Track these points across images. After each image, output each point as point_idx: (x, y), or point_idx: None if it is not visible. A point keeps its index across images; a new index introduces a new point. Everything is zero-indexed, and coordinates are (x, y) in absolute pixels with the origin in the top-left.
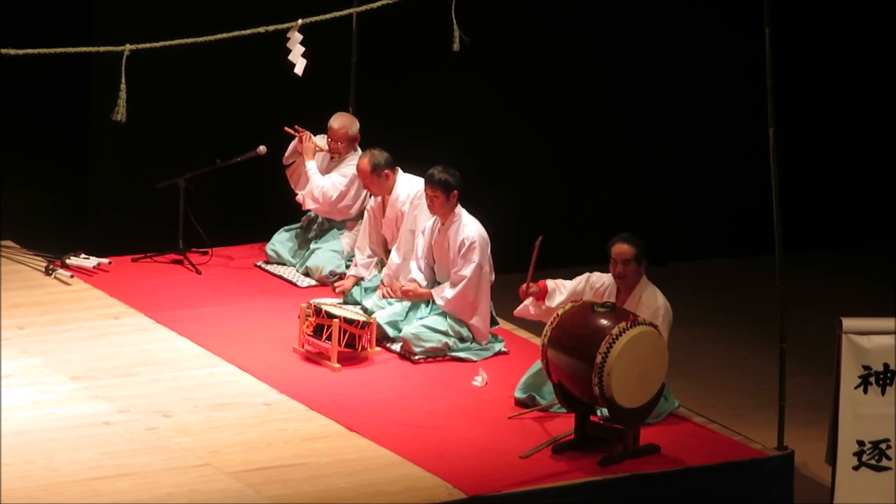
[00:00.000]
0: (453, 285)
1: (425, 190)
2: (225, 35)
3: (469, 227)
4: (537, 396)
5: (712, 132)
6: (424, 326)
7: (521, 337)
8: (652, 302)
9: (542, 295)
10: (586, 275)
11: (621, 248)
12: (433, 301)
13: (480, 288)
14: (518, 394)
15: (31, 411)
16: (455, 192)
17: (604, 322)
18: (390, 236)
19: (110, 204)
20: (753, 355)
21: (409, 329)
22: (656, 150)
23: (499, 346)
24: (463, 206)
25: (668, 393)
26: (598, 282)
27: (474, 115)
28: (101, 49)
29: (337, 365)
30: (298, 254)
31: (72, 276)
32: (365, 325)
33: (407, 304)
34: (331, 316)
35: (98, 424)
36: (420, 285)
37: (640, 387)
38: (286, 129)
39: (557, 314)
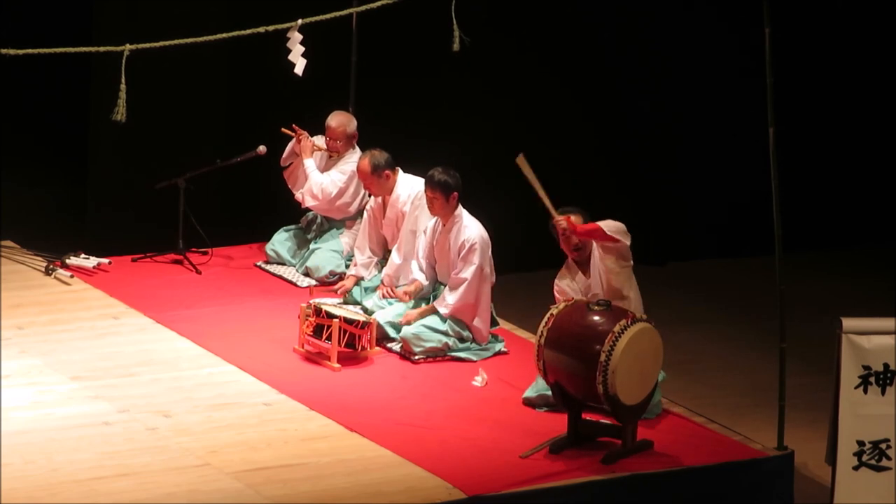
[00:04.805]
0: (454, 289)
1: (425, 191)
2: (225, 35)
3: (470, 229)
4: (549, 396)
5: (712, 132)
6: (424, 326)
7: (521, 337)
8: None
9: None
10: (555, 291)
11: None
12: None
13: (481, 289)
14: (529, 393)
15: (31, 411)
16: (455, 193)
17: (604, 320)
18: (390, 237)
19: (110, 204)
20: (753, 355)
21: (409, 329)
22: (657, 150)
23: (499, 347)
24: (464, 207)
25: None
26: (566, 284)
27: (475, 115)
28: (101, 49)
29: (337, 365)
30: (298, 254)
31: (72, 276)
32: (365, 325)
33: (408, 303)
34: (331, 316)
35: (98, 424)
36: (422, 285)
37: (640, 383)
38: (283, 129)
39: (552, 314)
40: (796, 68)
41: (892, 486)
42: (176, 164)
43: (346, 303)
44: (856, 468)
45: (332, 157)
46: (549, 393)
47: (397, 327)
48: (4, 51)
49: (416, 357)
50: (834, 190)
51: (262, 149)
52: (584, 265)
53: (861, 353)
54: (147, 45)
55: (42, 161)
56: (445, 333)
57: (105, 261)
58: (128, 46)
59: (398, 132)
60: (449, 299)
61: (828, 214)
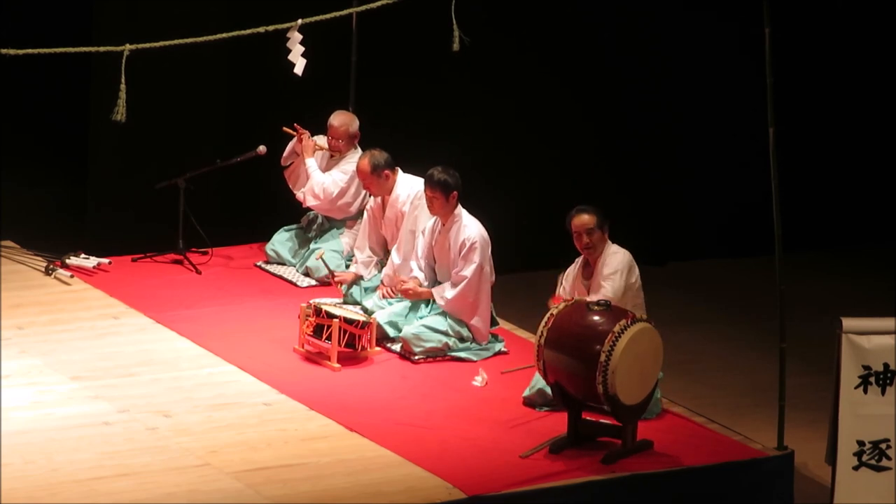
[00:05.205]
0: (454, 285)
1: (425, 191)
2: (225, 35)
3: (470, 228)
4: (547, 393)
5: (712, 132)
6: (424, 326)
7: (521, 337)
8: (617, 260)
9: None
10: (559, 278)
11: (582, 219)
12: (433, 301)
13: (481, 288)
14: (527, 392)
15: (31, 411)
16: (454, 192)
17: (604, 320)
18: (390, 237)
19: (110, 204)
20: (753, 355)
21: (409, 329)
22: (657, 150)
23: (499, 346)
24: (463, 206)
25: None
26: (570, 271)
27: (475, 115)
28: (101, 49)
29: (337, 365)
30: (298, 254)
31: (72, 276)
32: (365, 325)
33: (407, 303)
34: (331, 316)
35: (98, 424)
36: (421, 283)
37: (640, 383)
38: (285, 129)
39: (552, 314)
40: (796, 68)
41: (892, 486)
42: (176, 164)
43: (346, 303)
44: (856, 468)
45: (334, 156)
46: (548, 389)
47: (397, 327)
48: (4, 51)
49: (416, 357)
50: (834, 190)
51: (262, 149)
52: (589, 268)
53: (861, 353)
54: (147, 45)
55: (42, 161)
56: (445, 333)
57: (105, 261)
58: (128, 46)
59: (398, 132)
60: (448, 293)
61: (828, 214)
